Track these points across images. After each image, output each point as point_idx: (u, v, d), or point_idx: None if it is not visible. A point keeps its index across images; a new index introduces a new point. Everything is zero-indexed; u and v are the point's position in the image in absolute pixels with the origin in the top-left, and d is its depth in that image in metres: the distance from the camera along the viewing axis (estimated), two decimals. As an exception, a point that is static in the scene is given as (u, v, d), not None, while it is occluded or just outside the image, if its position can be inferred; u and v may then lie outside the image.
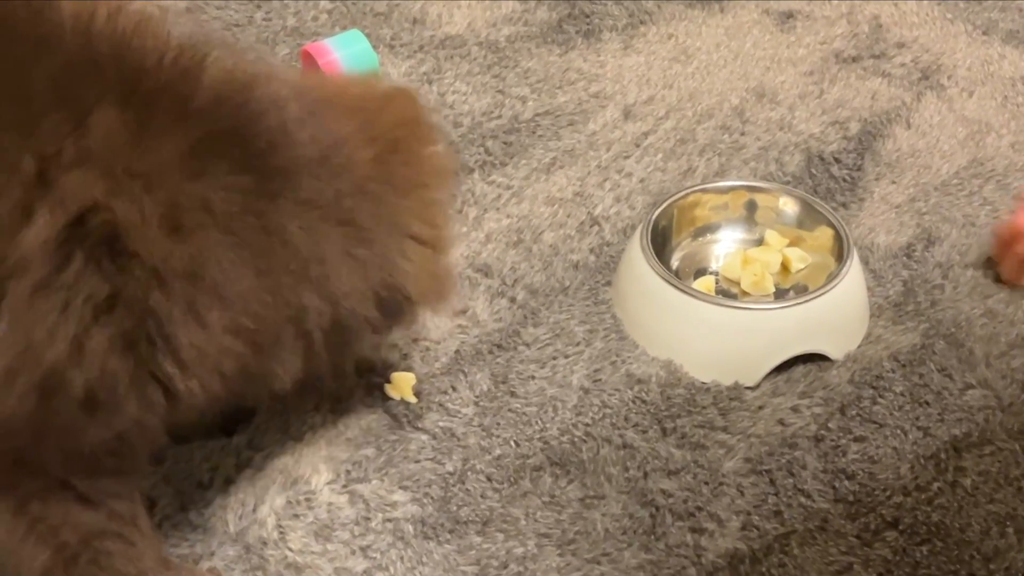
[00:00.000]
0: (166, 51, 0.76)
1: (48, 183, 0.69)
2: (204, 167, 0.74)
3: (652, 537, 0.96)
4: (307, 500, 0.97)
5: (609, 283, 1.18)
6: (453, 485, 0.99)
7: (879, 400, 1.07)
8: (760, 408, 1.07)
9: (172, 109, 0.74)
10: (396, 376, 1.06)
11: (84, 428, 0.74)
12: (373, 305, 0.84)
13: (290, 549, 0.94)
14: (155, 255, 0.71)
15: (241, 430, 1.02)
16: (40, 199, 0.69)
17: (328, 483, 0.99)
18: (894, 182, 1.32)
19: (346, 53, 1.38)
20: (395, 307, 0.86)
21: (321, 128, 0.80)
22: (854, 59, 1.50)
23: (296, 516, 0.96)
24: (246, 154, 0.76)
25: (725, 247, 1.21)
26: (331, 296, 0.80)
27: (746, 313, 1.10)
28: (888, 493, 1.00)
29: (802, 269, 1.18)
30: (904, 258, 1.22)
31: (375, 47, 1.42)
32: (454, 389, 1.07)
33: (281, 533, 0.95)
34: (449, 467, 1.00)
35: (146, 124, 0.72)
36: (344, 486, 0.99)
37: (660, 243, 1.16)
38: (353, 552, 0.94)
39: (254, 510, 0.96)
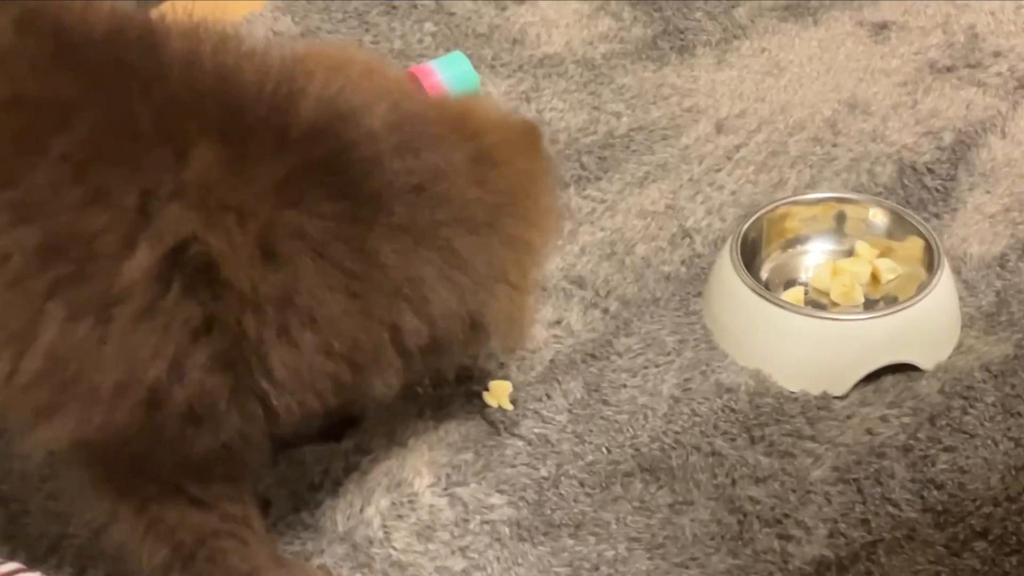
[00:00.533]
0: (265, 84, 0.79)
1: (148, 216, 0.74)
2: (298, 195, 0.77)
3: (739, 543, 0.99)
4: (410, 502, 1.02)
5: (700, 294, 1.21)
6: (547, 489, 1.03)
7: (969, 410, 1.08)
8: (848, 417, 1.08)
9: (268, 141, 0.77)
10: (493, 384, 1.11)
11: (190, 438, 0.79)
12: (466, 327, 0.87)
13: (394, 548, 0.99)
14: (247, 282, 0.75)
15: (349, 435, 1.07)
16: (142, 231, 0.74)
17: (429, 486, 1.04)
18: (988, 192, 1.32)
19: (449, 74, 1.44)
20: (474, 337, 0.90)
21: (419, 158, 0.83)
22: (949, 69, 1.49)
23: (400, 517, 1.01)
24: (340, 182, 0.79)
25: (815, 258, 1.23)
26: (428, 316, 0.84)
27: (835, 324, 1.12)
28: (978, 503, 1.00)
29: (892, 280, 1.19)
30: (998, 268, 1.22)
31: (476, 67, 1.47)
32: (549, 397, 1.11)
33: (386, 533, 1.00)
34: (543, 472, 1.05)
35: (243, 156, 0.76)
36: (445, 489, 1.04)
37: (750, 255, 1.18)
38: (453, 552, 0.99)
39: (361, 511, 1.02)
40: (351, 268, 0.79)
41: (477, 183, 0.87)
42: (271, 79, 0.80)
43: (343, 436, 1.07)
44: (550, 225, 0.95)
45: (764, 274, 1.21)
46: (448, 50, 1.52)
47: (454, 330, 0.87)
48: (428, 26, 1.59)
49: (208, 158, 0.75)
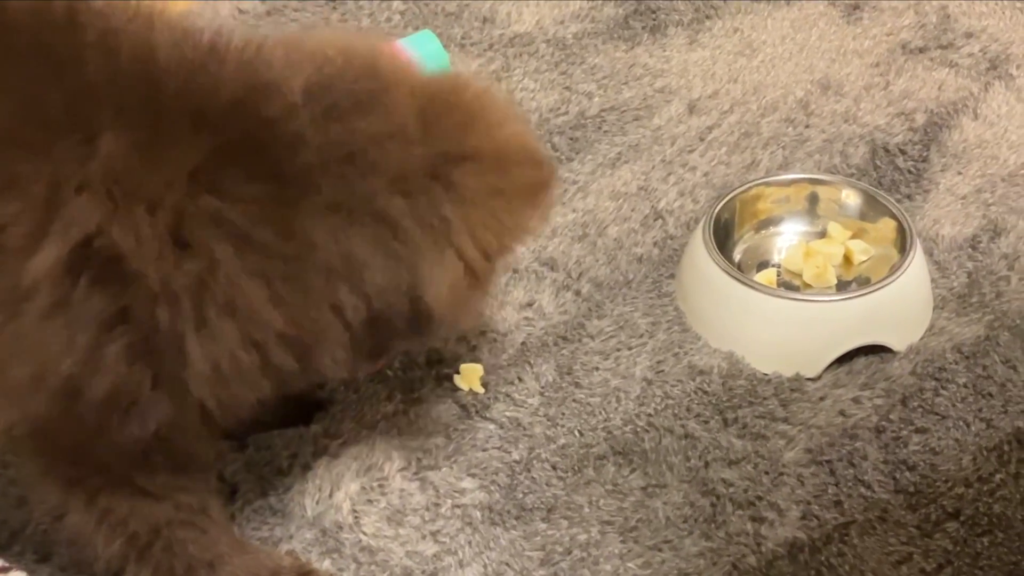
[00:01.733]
0: (184, 64, 0.75)
1: (56, 208, 0.71)
2: (216, 180, 0.73)
3: (712, 525, 0.98)
4: (380, 486, 1.01)
5: (672, 276, 1.21)
6: (519, 473, 1.03)
7: (941, 392, 1.08)
8: (821, 399, 1.08)
9: (184, 125, 0.73)
10: (465, 367, 1.10)
11: (117, 428, 0.77)
12: (406, 302, 0.81)
13: (364, 533, 0.98)
14: (156, 274, 0.72)
15: (318, 419, 1.06)
16: (48, 225, 0.71)
17: (400, 470, 1.03)
18: (960, 173, 1.32)
19: (418, 54, 1.42)
20: (420, 317, 0.83)
21: (347, 126, 0.77)
22: (921, 50, 1.49)
23: (370, 501, 1.00)
24: (261, 162, 0.75)
25: (787, 240, 1.22)
26: (363, 292, 0.79)
27: (808, 305, 1.11)
28: (949, 484, 1.01)
29: (865, 261, 1.19)
30: (969, 249, 1.23)
31: (446, 46, 1.45)
32: (520, 380, 1.10)
33: (356, 517, 0.99)
34: (515, 456, 1.04)
35: (155, 143, 0.73)
36: (415, 473, 1.03)
37: (723, 236, 1.18)
38: (424, 536, 0.98)
39: (330, 495, 1.01)
40: (281, 251, 0.75)
41: (421, 138, 0.80)
42: (193, 59, 0.76)
43: (312, 420, 1.06)
44: (527, 177, 0.84)
45: (737, 256, 1.21)
46: (417, 29, 1.51)
47: (396, 305, 0.81)
48: (397, 4, 1.57)
49: (117, 146, 0.72)
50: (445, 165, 0.80)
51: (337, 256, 0.77)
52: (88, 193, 0.71)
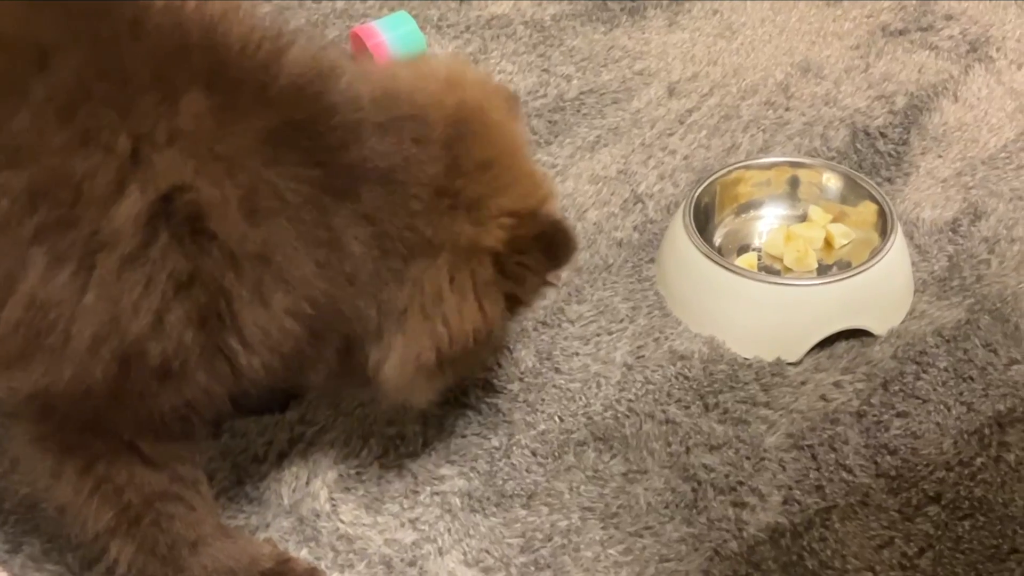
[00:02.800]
0: (250, 38, 0.78)
1: (140, 161, 0.72)
2: (277, 155, 0.75)
3: (694, 511, 0.98)
4: (358, 474, 1.00)
5: (652, 260, 1.20)
6: (499, 460, 1.02)
7: (922, 376, 1.08)
8: (802, 384, 1.08)
9: (253, 95, 0.76)
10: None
11: (156, 394, 0.77)
12: (373, 347, 0.85)
13: (342, 521, 0.97)
14: (233, 237, 0.74)
15: (294, 406, 1.05)
16: (132, 176, 0.72)
17: (378, 457, 1.01)
18: (940, 156, 1.32)
19: (394, 35, 1.40)
20: (358, 369, 0.86)
21: (400, 144, 0.80)
22: (901, 32, 1.49)
23: (347, 489, 0.99)
24: (315, 148, 0.77)
25: (768, 223, 1.22)
26: (311, 300, 0.80)
27: (788, 289, 1.10)
28: (931, 468, 1.00)
29: (845, 245, 1.18)
30: (950, 233, 1.22)
31: (422, 28, 1.44)
32: (499, 366, 1.09)
33: (333, 505, 0.98)
34: (495, 442, 1.03)
35: (229, 109, 0.74)
36: (393, 460, 1.01)
37: (703, 220, 1.17)
38: (402, 524, 0.97)
39: (307, 483, 0.99)
40: (318, 237, 0.77)
41: (469, 209, 0.83)
42: (256, 35, 0.78)
43: (287, 407, 1.04)
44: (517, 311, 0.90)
45: (717, 240, 1.20)
46: (393, 10, 1.49)
47: (363, 343, 0.84)
48: (373, -15, 1.55)
49: (199, 107, 0.73)
50: (465, 253, 0.83)
51: (363, 267, 0.80)
52: (177, 147, 0.73)
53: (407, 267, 0.82)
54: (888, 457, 1.01)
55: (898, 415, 1.05)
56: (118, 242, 0.72)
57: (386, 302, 0.82)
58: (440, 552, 0.95)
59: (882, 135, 1.34)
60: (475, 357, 0.90)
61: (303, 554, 0.94)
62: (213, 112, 0.74)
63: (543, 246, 0.85)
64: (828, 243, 1.19)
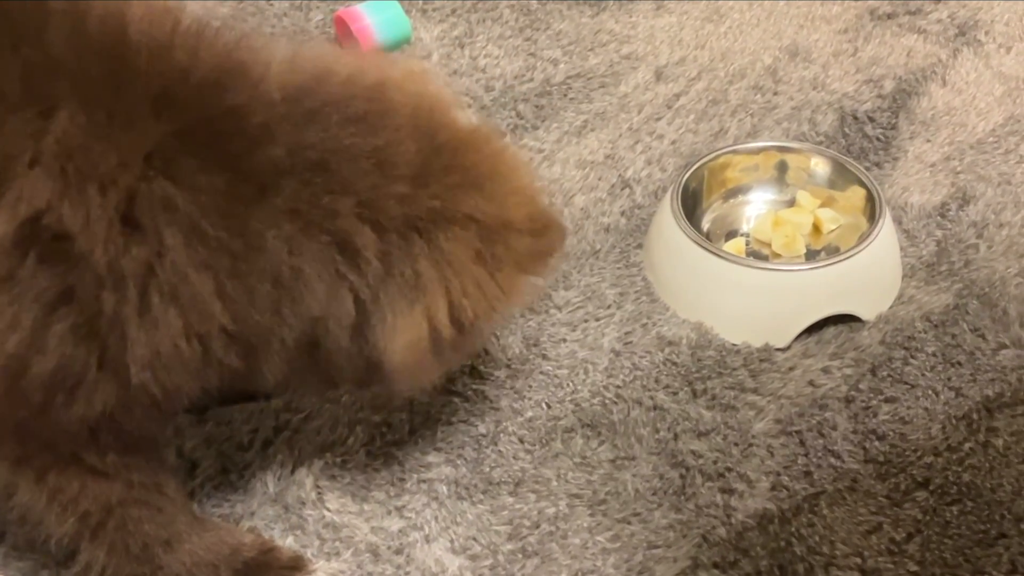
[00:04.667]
0: (158, 43, 0.73)
1: (7, 183, 0.70)
2: (172, 165, 0.71)
3: (682, 497, 0.97)
4: (344, 461, 0.99)
5: (640, 246, 1.19)
6: (486, 447, 1.01)
7: (911, 361, 1.07)
8: (791, 369, 1.07)
9: (148, 104, 0.71)
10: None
11: (63, 408, 0.75)
12: (347, 337, 0.78)
13: (328, 509, 0.96)
14: (103, 257, 0.70)
15: (278, 394, 1.04)
16: (1, 198, 0.69)
17: (364, 445, 1.01)
18: (929, 140, 1.31)
19: (379, 18, 1.39)
20: (368, 364, 0.80)
21: (327, 134, 0.74)
22: (889, 16, 1.48)
23: (333, 477, 0.98)
24: (219, 152, 0.72)
25: (756, 208, 1.21)
26: (300, 313, 0.77)
27: (777, 274, 1.10)
28: (919, 454, 1.00)
29: (834, 230, 1.18)
30: (938, 217, 1.22)
31: (407, 11, 1.42)
32: (486, 352, 1.08)
33: (319, 493, 0.97)
34: (482, 429, 1.02)
35: (113, 121, 0.70)
36: (379, 447, 1.01)
37: (691, 205, 1.16)
38: (389, 512, 0.96)
39: (292, 471, 0.98)
40: (229, 247, 0.72)
41: (413, 179, 0.77)
42: (166, 39, 0.73)
43: (272, 395, 1.03)
44: (527, 245, 0.81)
45: (705, 225, 1.19)
46: (378, -7, 1.47)
47: (338, 340, 0.79)
48: (358, -32, 1.53)
49: (72, 123, 0.70)
50: (432, 222, 0.78)
51: (287, 266, 0.75)
52: (40, 169, 0.70)
53: (411, 246, 0.77)
54: (876, 443, 1.01)
55: (886, 400, 1.04)
56: None
57: (380, 287, 0.77)
58: (427, 540, 0.94)
59: (870, 119, 1.33)
60: (482, 337, 0.85)
61: (288, 542, 0.94)
62: (91, 126, 0.70)
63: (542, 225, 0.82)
64: (816, 228, 1.18)
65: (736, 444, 1.01)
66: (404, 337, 0.78)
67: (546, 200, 0.87)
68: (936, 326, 1.10)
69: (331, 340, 0.79)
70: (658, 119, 1.34)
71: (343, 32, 1.41)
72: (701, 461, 0.99)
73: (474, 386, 1.06)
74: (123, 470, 0.82)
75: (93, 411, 0.75)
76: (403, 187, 0.77)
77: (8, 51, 0.70)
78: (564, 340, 1.10)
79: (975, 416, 1.03)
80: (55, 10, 0.72)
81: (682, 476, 0.98)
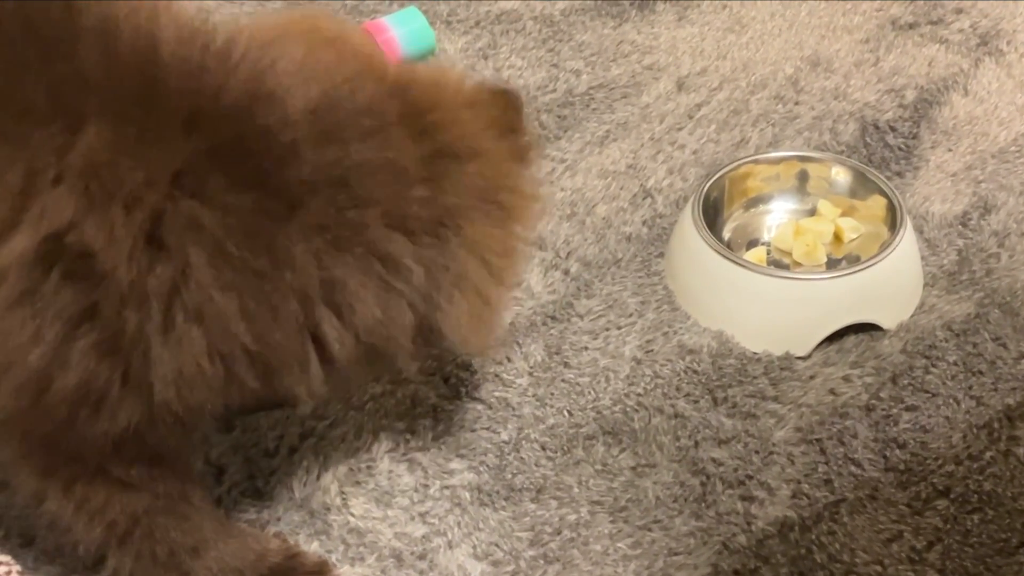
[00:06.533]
0: (188, 60, 0.73)
1: (30, 198, 0.70)
2: (200, 184, 0.71)
3: (703, 505, 0.98)
4: (368, 468, 1.01)
5: (661, 255, 1.20)
6: (508, 453, 1.02)
7: (932, 369, 1.08)
8: (811, 378, 1.08)
9: (175, 122, 0.72)
10: (453, 348, 1.09)
11: (87, 422, 0.75)
12: (409, 337, 0.81)
13: (352, 515, 0.97)
14: (126, 275, 0.71)
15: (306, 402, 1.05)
16: (23, 213, 0.70)
17: (388, 451, 1.02)
18: (950, 150, 1.31)
19: (404, 31, 1.41)
20: (430, 343, 0.83)
21: (345, 150, 0.75)
22: (911, 26, 1.48)
23: (358, 483, 1.00)
24: (246, 171, 0.73)
25: (777, 218, 1.22)
26: (352, 324, 0.77)
27: (798, 283, 1.10)
28: (940, 462, 1.00)
29: (855, 239, 1.18)
30: (959, 227, 1.22)
31: (432, 24, 1.44)
32: (509, 360, 1.09)
33: (343, 499, 0.98)
34: (504, 436, 1.03)
35: (141, 139, 0.70)
36: (403, 454, 1.02)
37: (712, 215, 1.17)
38: (412, 518, 0.97)
39: (318, 477, 1.00)
40: (255, 267, 0.73)
41: (427, 181, 0.79)
42: (198, 59, 0.74)
43: (298, 402, 1.05)
44: (530, 219, 0.86)
45: (726, 234, 1.20)
46: (403, 5, 1.49)
47: (395, 339, 0.81)
48: (383, -19, 1.55)
49: (99, 139, 0.70)
50: (459, 217, 0.81)
51: (317, 280, 0.75)
52: (64, 186, 0.70)
53: (445, 243, 0.80)
54: (897, 451, 1.01)
55: (907, 409, 1.05)
56: (6, 279, 0.70)
57: (430, 288, 0.80)
58: (450, 545, 0.95)
59: (892, 129, 1.34)
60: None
61: (313, 547, 0.95)
62: (118, 144, 0.70)
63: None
64: (837, 237, 1.18)
65: (757, 452, 1.01)
66: (463, 314, 0.82)
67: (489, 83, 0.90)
68: (957, 335, 1.11)
69: (392, 345, 0.81)
70: (680, 129, 1.35)
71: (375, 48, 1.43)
72: (722, 469, 1.00)
73: (496, 393, 1.07)
74: (149, 481, 0.83)
75: (117, 426, 0.76)
76: (420, 190, 0.79)
77: (37, 66, 0.71)
78: (586, 348, 1.11)
79: (996, 425, 1.03)
80: (86, 27, 0.72)
81: (703, 484, 0.99)
